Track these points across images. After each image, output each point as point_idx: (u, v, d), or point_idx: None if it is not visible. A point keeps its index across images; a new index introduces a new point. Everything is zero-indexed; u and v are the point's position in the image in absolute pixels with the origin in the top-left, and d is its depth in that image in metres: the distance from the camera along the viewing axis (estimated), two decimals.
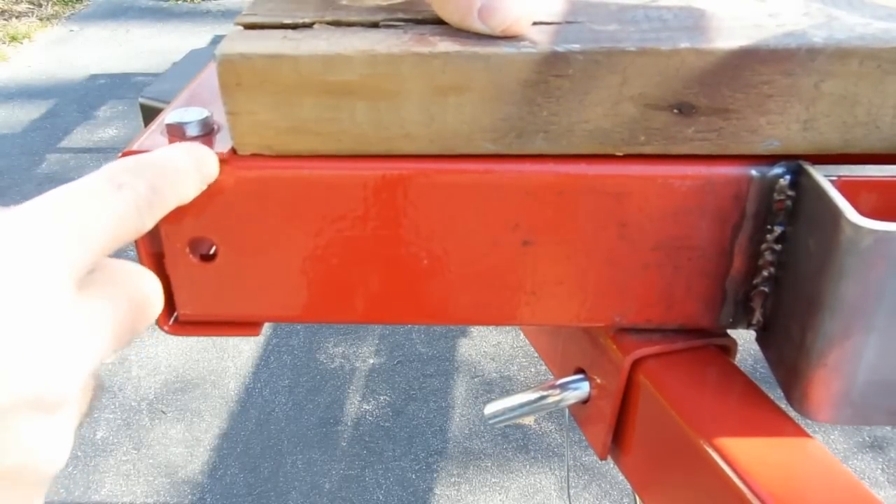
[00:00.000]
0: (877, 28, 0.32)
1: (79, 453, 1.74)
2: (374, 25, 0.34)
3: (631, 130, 0.33)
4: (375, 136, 0.34)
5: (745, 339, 0.40)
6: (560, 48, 0.31)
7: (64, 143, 3.01)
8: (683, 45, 0.31)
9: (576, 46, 0.31)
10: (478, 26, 0.32)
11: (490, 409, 0.45)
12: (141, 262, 0.37)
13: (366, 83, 0.32)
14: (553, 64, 0.32)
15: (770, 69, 0.31)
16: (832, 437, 1.75)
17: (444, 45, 0.32)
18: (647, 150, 0.34)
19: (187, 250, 0.37)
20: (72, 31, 4.03)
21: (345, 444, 1.76)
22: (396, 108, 0.33)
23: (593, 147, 0.34)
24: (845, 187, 0.32)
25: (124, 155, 0.34)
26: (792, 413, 0.36)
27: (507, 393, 0.45)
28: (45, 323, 0.24)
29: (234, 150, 0.35)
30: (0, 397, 0.23)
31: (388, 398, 1.88)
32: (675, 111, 0.32)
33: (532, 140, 0.33)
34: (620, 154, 0.34)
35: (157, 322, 0.37)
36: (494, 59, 0.31)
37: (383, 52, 0.32)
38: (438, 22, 0.34)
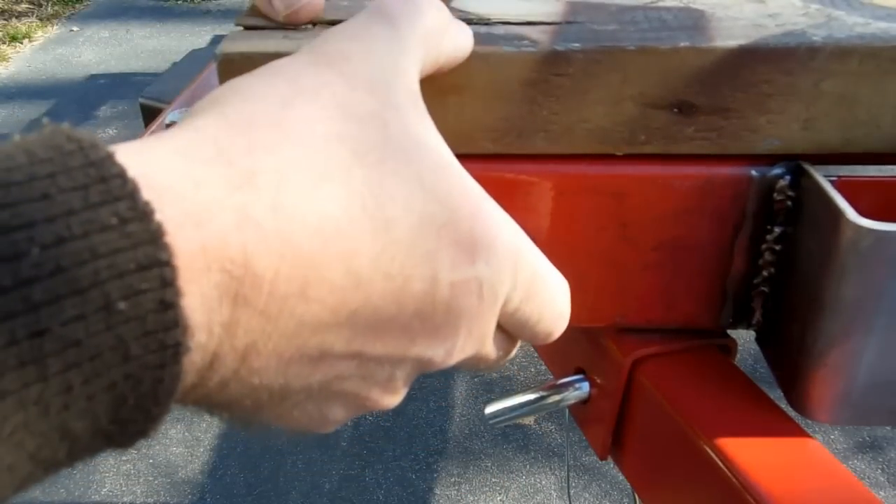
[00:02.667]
0: (876, 27, 0.32)
1: None
2: None
3: (631, 130, 0.33)
4: None
5: (745, 339, 0.40)
6: (560, 47, 0.31)
7: None
8: (683, 44, 0.31)
9: (576, 45, 0.31)
10: (268, 10, 0.32)
11: (490, 409, 0.45)
12: None
13: None
14: (553, 63, 0.32)
15: (770, 68, 0.31)
16: (832, 437, 1.75)
17: None
18: (648, 149, 0.34)
19: None
20: (72, 31, 4.02)
21: (345, 444, 1.76)
22: None
23: (593, 146, 0.34)
24: (845, 187, 0.32)
25: None
26: (792, 413, 0.36)
27: (507, 393, 0.45)
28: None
29: None
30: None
31: None
32: (676, 110, 0.32)
33: (532, 139, 0.33)
34: (620, 154, 0.34)
35: None
36: (494, 58, 0.31)
37: None
38: None
